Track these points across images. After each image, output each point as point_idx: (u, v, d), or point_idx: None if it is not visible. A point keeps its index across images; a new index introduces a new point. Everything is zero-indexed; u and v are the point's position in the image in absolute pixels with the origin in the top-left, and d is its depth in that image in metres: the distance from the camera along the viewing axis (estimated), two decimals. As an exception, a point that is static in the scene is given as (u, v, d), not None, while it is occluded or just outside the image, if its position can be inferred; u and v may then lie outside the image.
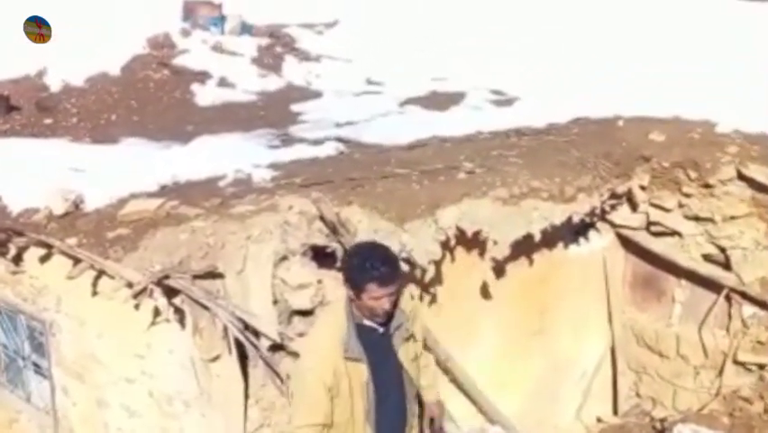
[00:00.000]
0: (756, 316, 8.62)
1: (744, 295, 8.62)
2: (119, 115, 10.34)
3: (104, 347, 7.13)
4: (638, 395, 9.58)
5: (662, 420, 8.91)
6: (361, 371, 5.09)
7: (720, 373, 8.84)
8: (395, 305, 5.11)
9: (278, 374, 6.74)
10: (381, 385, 5.18)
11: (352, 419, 5.14)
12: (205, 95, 10.86)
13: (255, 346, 6.63)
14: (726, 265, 8.70)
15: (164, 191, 7.71)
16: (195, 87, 10.99)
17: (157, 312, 6.62)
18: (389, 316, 5.12)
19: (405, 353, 5.30)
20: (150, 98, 10.76)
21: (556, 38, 12.66)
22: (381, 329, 5.16)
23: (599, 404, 9.73)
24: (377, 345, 5.16)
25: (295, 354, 6.68)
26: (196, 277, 6.56)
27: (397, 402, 5.32)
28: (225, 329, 6.50)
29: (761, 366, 8.60)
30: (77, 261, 6.92)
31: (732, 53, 11.45)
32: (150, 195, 7.58)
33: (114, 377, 7.15)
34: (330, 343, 5.08)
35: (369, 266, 4.97)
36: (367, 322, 5.12)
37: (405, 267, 6.93)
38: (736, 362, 8.72)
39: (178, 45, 11.74)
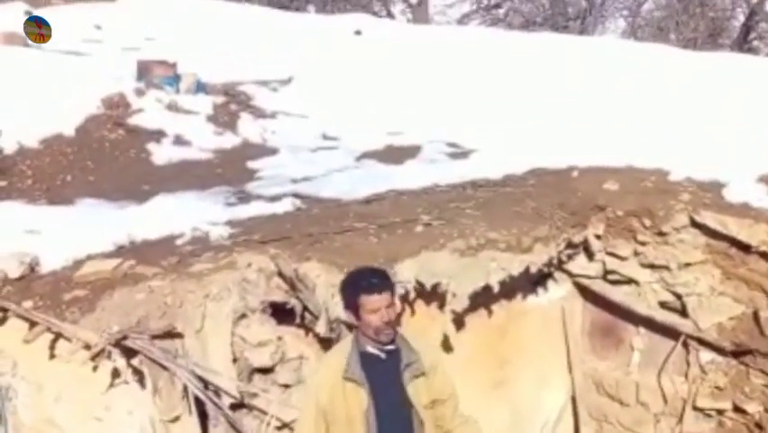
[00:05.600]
0: (714, 361, 8.67)
1: (701, 341, 8.67)
2: (74, 175, 10.27)
3: (62, 411, 7.03)
4: (600, 444, 9.59)
5: (625, 468, 8.94)
6: (361, 396, 5.13)
7: (680, 419, 8.87)
8: (397, 320, 5.31)
9: (240, 432, 6.69)
10: (384, 416, 5.18)
11: None
12: (161, 153, 10.84)
13: (216, 405, 6.58)
14: (683, 312, 8.77)
15: (121, 251, 7.67)
16: (150, 145, 10.96)
17: (115, 374, 6.56)
18: (393, 332, 5.20)
19: (415, 392, 5.27)
20: (105, 158, 10.71)
21: (511, 90, 12.80)
22: (384, 355, 5.19)
23: (562, 454, 9.71)
24: (381, 374, 5.19)
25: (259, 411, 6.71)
26: (154, 337, 6.54)
27: None
28: (185, 389, 6.47)
29: (720, 412, 8.63)
30: (33, 324, 6.85)
31: (682, 103, 11.64)
32: (107, 255, 7.54)
33: (73, 441, 7.05)
34: (332, 365, 5.23)
35: (358, 280, 5.22)
36: (370, 349, 5.18)
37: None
38: (695, 408, 8.75)
39: (133, 104, 11.69)
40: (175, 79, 12.39)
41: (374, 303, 5.09)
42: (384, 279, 5.27)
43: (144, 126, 11.38)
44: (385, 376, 5.21)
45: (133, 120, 11.45)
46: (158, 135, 11.25)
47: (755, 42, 28.38)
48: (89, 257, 7.50)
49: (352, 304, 5.18)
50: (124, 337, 6.49)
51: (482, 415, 8.84)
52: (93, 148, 10.88)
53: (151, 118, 11.53)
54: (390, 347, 5.21)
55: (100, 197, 9.35)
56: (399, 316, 7.70)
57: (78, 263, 7.41)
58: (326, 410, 5.16)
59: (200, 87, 12.65)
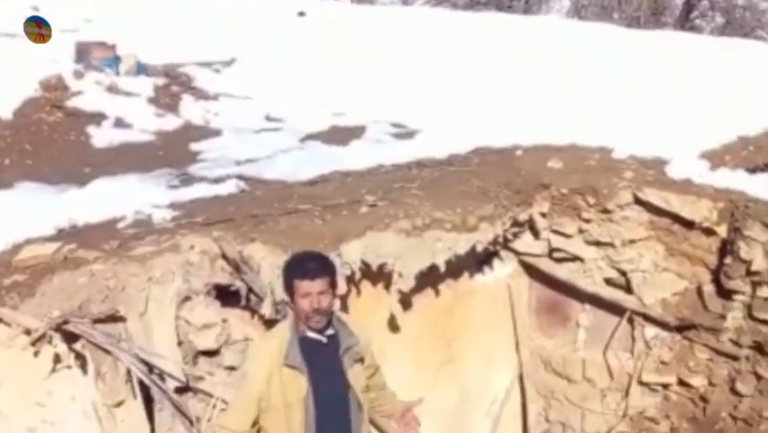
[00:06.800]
0: (659, 337, 8.77)
1: (646, 317, 8.76)
2: (12, 159, 10.08)
3: (3, 397, 6.87)
4: (548, 420, 9.64)
5: (572, 444, 9.01)
6: (300, 383, 5.07)
7: (626, 394, 8.96)
8: (330, 307, 5.16)
9: (186, 416, 6.62)
10: (324, 402, 5.13)
11: None
12: (102, 136, 10.67)
13: (161, 389, 6.50)
14: (628, 288, 8.84)
15: (61, 235, 7.54)
16: (90, 128, 10.79)
17: (57, 359, 6.44)
18: (325, 319, 5.13)
19: (355, 376, 5.25)
20: (44, 141, 10.53)
21: (455, 70, 12.79)
22: (325, 340, 5.15)
23: (510, 431, 9.75)
24: (321, 360, 5.14)
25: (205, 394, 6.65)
26: (96, 321, 6.42)
27: (342, 423, 5.25)
28: (129, 373, 6.37)
29: (665, 386, 8.74)
30: (-29, 310, 6.70)
31: (624, 81, 11.71)
32: (47, 239, 7.40)
33: (15, 428, 6.89)
34: (270, 351, 5.16)
35: (294, 264, 5.20)
36: (310, 334, 5.13)
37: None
38: (641, 383, 8.85)
39: (72, 87, 11.49)
40: (114, 61, 12.21)
41: (305, 288, 5.04)
42: (321, 265, 5.18)
43: (84, 109, 11.19)
44: (325, 361, 5.17)
45: (72, 102, 11.27)
46: (98, 118, 11.07)
47: (697, 21, 28.71)
48: (28, 241, 7.36)
49: (288, 287, 5.16)
50: (65, 322, 6.36)
51: (430, 394, 8.88)
52: (31, 131, 10.69)
53: (91, 101, 11.35)
54: (329, 332, 5.18)
55: (39, 180, 9.17)
56: (345, 298, 7.68)
57: (17, 248, 7.26)
58: (261, 397, 5.10)
59: (140, 69, 12.49)
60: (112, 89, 11.72)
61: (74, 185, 8.78)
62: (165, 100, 11.89)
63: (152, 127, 11.05)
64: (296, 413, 5.08)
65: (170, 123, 11.30)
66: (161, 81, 12.32)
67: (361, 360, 5.32)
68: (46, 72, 11.55)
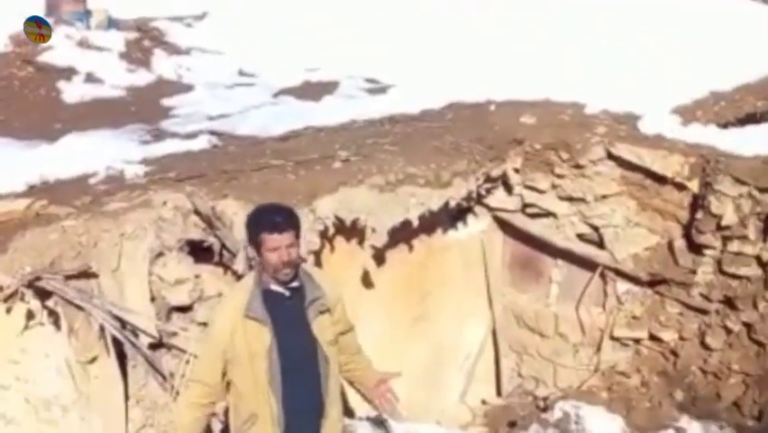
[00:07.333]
0: (630, 292, 8.83)
1: (617, 272, 8.81)
2: (-18, 114, 10.01)
3: (-24, 355, 6.89)
4: (520, 375, 9.73)
5: (545, 399, 9.09)
6: (263, 334, 5.09)
7: (598, 349, 9.04)
8: (297, 259, 5.16)
9: (159, 372, 6.64)
10: (289, 353, 5.14)
11: (255, 385, 5.15)
12: (73, 91, 10.58)
13: (134, 345, 6.50)
14: (600, 244, 8.89)
15: (32, 191, 7.48)
16: (61, 83, 10.70)
17: (30, 315, 6.41)
18: (293, 272, 5.13)
19: (320, 328, 5.25)
20: (14, 96, 10.44)
21: (428, 25, 12.73)
22: (288, 293, 5.16)
23: (483, 386, 9.83)
24: (285, 311, 5.16)
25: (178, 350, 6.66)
26: (68, 277, 6.39)
27: (309, 376, 5.27)
28: (102, 329, 6.37)
29: (636, 341, 8.82)
30: (-58, 266, 6.66)
31: (598, 36, 11.69)
32: (18, 195, 7.34)
33: (-12, 385, 6.92)
34: (234, 303, 5.20)
35: (260, 217, 5.17)
36: (274, 287, 5.13)
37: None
38: (612, 338, 8.93)
39: (43, 42, 11.42)
40: (85, 15, 12.10)
41: (274, 242, 5.01)
42: (288, 218, 5.15)
43: (54, 64, 11.11)
44: (289, 314, 5.18)
45: (43, 57, 11.18)
46: (68, 73, 11.00)
47: (670, -23, 28.61)
48: (-1, 197, 7.31)
49: (253, 240, 5.13)
50: (38, 278, 6.33)
51: (403, 350, 8.96)
52: (1, 86, 10.62)
53: (62, 55, 11.25)
54: (294, 284, 5.18)
55: (10, 136, 9.08)
56: (318, 254, 7.68)
57: (-12, 204, 7.22)
58: (226, 349, 5.13)
59: (111, 23, 12.38)
60: (83, 44, 11.63)
61: (45, 141, 8.71)
62: (137, 55, 11.81)
63: (124, 82, 10.98)
64: (260, 364, 5.11)
65: (142, 78, 11.24)
66: (133, 36, 12.22)
67: (328, 311, 5.31)
68: (16, 27, 11.42)
